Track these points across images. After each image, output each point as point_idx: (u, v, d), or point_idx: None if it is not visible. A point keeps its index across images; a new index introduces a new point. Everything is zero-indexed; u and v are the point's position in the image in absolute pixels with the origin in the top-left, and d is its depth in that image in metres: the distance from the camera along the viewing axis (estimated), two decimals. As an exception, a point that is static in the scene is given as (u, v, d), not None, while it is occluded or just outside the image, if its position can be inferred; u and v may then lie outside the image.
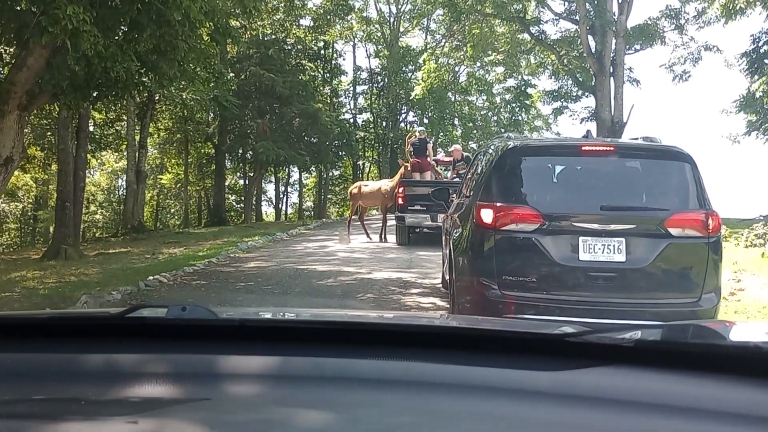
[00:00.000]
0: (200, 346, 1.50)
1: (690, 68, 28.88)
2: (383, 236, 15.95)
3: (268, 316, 2.30)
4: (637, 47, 28.58)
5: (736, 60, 28.73)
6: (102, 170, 37.99)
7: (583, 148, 5.74)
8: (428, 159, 15.60)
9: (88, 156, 23.21)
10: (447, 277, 7.52)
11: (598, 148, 5.80)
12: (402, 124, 40.16)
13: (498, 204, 5.53)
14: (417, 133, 16.67)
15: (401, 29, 39.51)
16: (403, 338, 1.54)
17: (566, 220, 5.47)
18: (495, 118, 40.28)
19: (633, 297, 5.44)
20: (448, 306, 7.44)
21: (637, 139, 6.04)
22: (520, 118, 39.40)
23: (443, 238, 8.78)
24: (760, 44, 26.48)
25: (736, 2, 14.27)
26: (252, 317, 1.97)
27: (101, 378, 1.41)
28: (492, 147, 6.53)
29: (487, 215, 5.52)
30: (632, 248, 5.33)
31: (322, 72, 35.92)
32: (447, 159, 17.21)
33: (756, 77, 25.67)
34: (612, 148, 5.81)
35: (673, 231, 5.36)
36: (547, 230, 5.39)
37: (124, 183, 31.64)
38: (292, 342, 1.54)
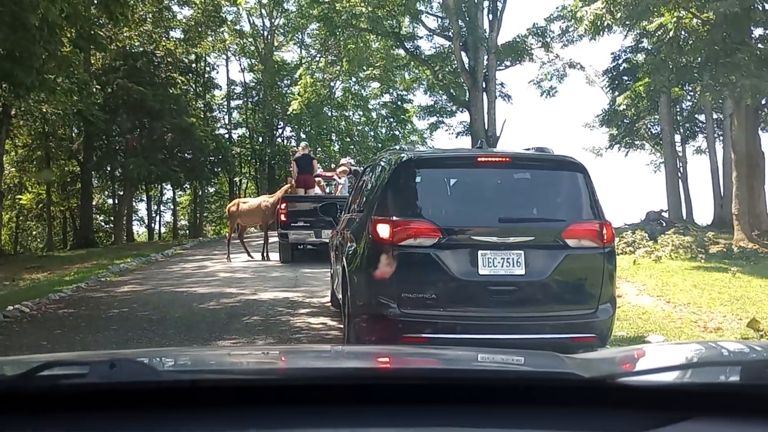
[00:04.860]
0: (137, 419, 1.10)
1: (556, 84, 30.37)
2: (265, 254, 15.40)
3: (226, 365, 1.79)
4: (507, 63, 29.71)
5: (597, 77, 30.55)
6: (-50, 191, 34.74)
7: (479, 159, 5.64)
8: (313, 175, 15.27)
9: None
10: (338, 296, 7.22)
11: (493, 159, 5.72)
12: (279, 140, 39.53)
13: (395, 218, 5.29)
14: (300, 148, 16.32)
15: (276, 43, 38.89)
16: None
17: (464, 234, 5.32)
18: (372, 133, 40.45)
19: (532, 311, 5.36)
20: (341, 326, 7.13)
21: (529, 149, 5.99)
22: (396, 133, 39.76)
23: (332, 254, 8.48)
24: (619, 62, 28.26)
25: (604, 20, 15.01)
26: (207, 375, 1.48)
27: None
28: (384, 160, 6.32)
29: (383, 230, 5.28)
30: (531, 260, 5.25)
31: (194, 86, 34.66)
32: (328, 174, 16.94)
33: (617, 93, 27.23)
34: (507, 159, 5.73)
35: (570, 242, 5.33)
36: (446, 244, 5.21)
37: (-24, 204, 28.98)
38: (265, 406, 1.19)
